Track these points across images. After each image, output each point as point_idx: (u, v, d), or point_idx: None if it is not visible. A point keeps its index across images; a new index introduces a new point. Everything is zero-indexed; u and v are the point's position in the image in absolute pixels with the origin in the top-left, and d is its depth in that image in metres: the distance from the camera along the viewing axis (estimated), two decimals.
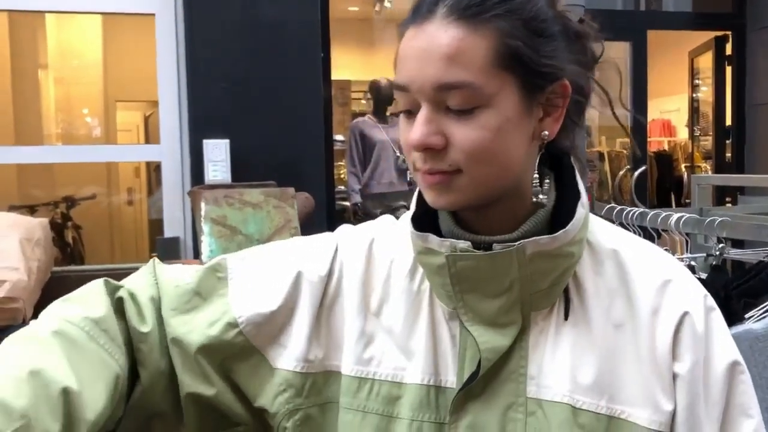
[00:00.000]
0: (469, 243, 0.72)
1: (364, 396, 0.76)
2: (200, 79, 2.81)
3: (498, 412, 0.73)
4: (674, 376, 0.73)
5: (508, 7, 0.68)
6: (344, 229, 0.86)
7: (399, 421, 0.75)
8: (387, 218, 0.87)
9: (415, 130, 0.69)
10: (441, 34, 0.67)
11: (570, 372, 0.73)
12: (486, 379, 0.73)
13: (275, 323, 0.79)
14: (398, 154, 4.51)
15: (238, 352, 0.78)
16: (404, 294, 0.79)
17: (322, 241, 0.84)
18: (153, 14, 2.92)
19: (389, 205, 4.47)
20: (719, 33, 4.91)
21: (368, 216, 4.32)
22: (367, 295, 0.80)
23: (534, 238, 0.71)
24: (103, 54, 6.12)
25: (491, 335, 0.73)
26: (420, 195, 0.78)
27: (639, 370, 0.73)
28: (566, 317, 0.75)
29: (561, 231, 0.72)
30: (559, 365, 0.74)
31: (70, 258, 4.72)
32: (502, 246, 0.72)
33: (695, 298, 0.75)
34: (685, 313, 0.74)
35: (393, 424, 0.75)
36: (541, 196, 0.75)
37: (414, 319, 0.78)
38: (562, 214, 0.75)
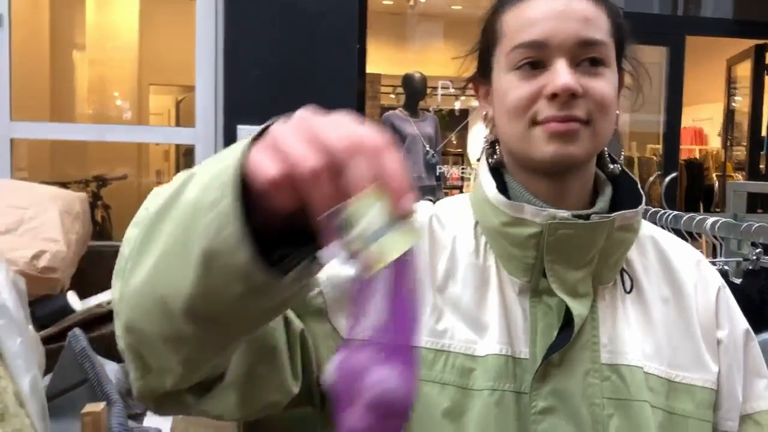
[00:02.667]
0: (569, 212, 0.78)
1: (440, 368, 0.78)
2: (237, 65, 2.84)
3: (578, 378, 0.78)
4: (718, 342, 0.84)
5: None
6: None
7: (476, 392, 0.77)
8: (429, 203, 0.89)
9: (562, 76, 0.75)
10: (575, 1, 0.78)
11: (635, 341, 0.80)
12: (564, 348, 0.78)
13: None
14: (428, 148, 4.51)
15: (315, 313, 0.77)
16: (471, 269, 0.82)
17: None
18: None
19: (419, 199, 4.46)
20: (759, 41, 4.84)
21: None
22: (434, 270, 0.82)
23: (622, 211, 0.79)
24: (139, 37, 6.19)
25: (575, 304, 0.78)
26: (493, 170, 0.84)
27: (690, 338, 0.83)
28: (629, 290, 0.83)
29: (640, 206, 0.81)
30: (626, 334, 0.80)
31: (99, 236, 4.79)
32: (600, 217, 0.78)
33: (718, 276, 0.90)
34: (720, 287, 0.87)
35: (469, 395, 0.77)
36: (611, 166, 0.85)
37: (483, 294, 0.81)
38: (617, 191, 0.85)
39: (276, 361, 0.70)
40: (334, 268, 0.77)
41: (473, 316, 0.79)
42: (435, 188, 4.53)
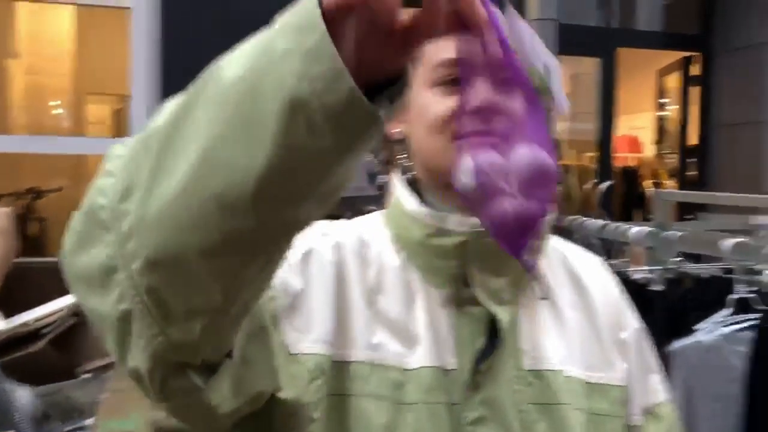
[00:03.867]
0: None
1: (375, 382, 0.78)
2: (174, 75, 2.80)
3: (505, 386, 0.80)
4: (622, 342, 0.89)
5: None
6: (327, 223, 0.87)
7: (409, 406, 0.77)
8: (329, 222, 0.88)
9: (485, 93, 0.76)
10: None
11: (554, 345, 0.84)
12: (491, 357, 0.79)
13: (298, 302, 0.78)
14: (368, 157, 4.53)
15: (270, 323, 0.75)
16: (397, 283, 0.82)
17: (317, 232, 0.85)
18: (129, 8, 2.91)
19: (359, 208, 4.48)
20: (687, 54, 5.03)
21: (337, 220, 4.32)
22: (365, 285, 0.82)
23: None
24: (75, 45, 6.04)
25: (500, 311, 0.80)
26: (410, 184, 0.85)
27: (599, 340, 0.87)
28: (545, 297, 0.86)
29: (552, 214, 0.83)
30: (545, 340, 0.83)
31: (33, 250, 4.65)
32: None
33: (616, 279, 0.94)
34: (621, 290, 0.93)
35: (403, 409, 0.77)
36: None
37: (410, 307, 0.81)
38: None
39: (265, 343, 0.68)
40: (286, 273, 0.77)
41: (403, 329, 0.80)
42: (377, 198, 4.54)
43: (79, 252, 0.56)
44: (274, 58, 0.47)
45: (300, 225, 0.54)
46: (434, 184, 0.85)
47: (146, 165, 0.51)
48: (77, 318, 1.55)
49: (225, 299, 0.54)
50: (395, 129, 0.88)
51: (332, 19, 0.46)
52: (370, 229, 0.87)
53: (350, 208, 4.94)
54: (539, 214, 0.52)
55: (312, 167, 0.48)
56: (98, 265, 0.54)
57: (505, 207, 0.51)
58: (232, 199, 0.48)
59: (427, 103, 0.81)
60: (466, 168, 0.53)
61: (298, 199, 0.50)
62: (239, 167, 0.48)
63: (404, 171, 0.88)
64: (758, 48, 4.53)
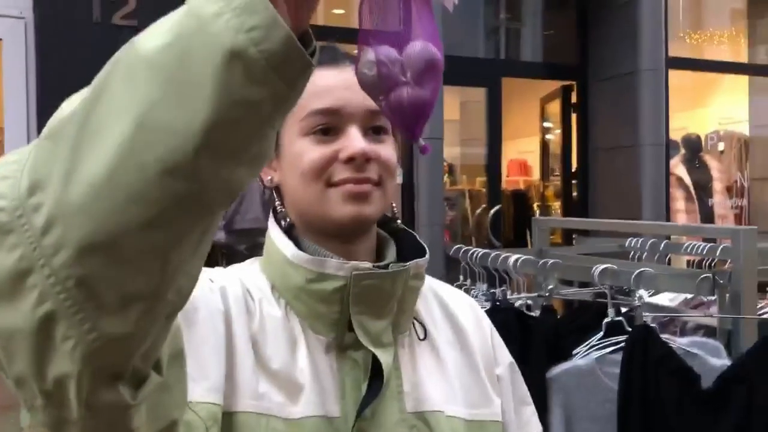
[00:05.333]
0: (370, 264, 0.82)
1: None
2: (51, 107, 2.69)
3: (389, 430, 0.81)
4: (498, 378, 0.93)
5: None
6: (216, 270, 0.87)
7: None
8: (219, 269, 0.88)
9: (358, 142, 0.81)
10: None
11: (434, 386, 0.85)
12: (374, 401, 0.80)
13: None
14: (264, 188, 4.48)
15: None
16: (280, 331, 0.82)
17: (204, 278, 0.84)
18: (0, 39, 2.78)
19: (255, 241, 4.41)
20: (566, 82, 5.31)
21: (232, 252, 4.25)
22: (249, 334, 0.81)
23: (416, 260, 0.84)
24: None
25: (381, 354, 0.81)
26: (285, 231, 0.85)
27: (476, 377, 0.90)
28: (424, 337, 0.88)
29: (427, 255, 0.86)
30: (425, 381, 0.85)
31: None
32: (399, 266, 0.82)
33: (487, 317, 0.98)
34: (491, 327, 0.97)
35: None
36: (395, 224, 0.91)
37: (293, 355, 0.81)
38: (400, 245, 0.90)
39: (182, 368, 0.64)
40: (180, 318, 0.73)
41: (287, 378, 0.80)
42: None
43: None
44: (204, 21, 0.48)
45: (234, 190, 0.53)
46: (311, 230, 0.86)
47: (60, 153, 0.49)
48: None
49: (162, 280, 0.51)
50: (267, 176, 0.88)
51: None
52: (249, 278, 0.86)
53: (246, 240, 4.87)
54: (431, 100, 0.59)
55: (250, 120, 0.49)
56: (5, 272, 0.49)
57: (401, 94, 0.58)
58: (174, 162, 0.47)
59: (300, 151, 0.83)
60: (368, 59, 0.59)
61: (236, 156, 0.50)
62: (179, 129, 0.47)
63: (279, 218, 0.88)
64: (631, 76, 4.83)
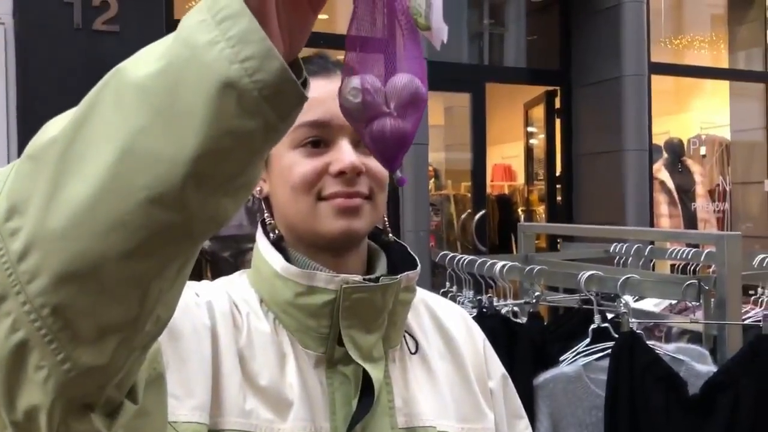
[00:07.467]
0: (360, 277, 0.80)
1: None
2: (32, 113, 2.65)
3: None
4: (491, 391, 0.91)
5: None
6: (202, 284, 0.86)
7: None
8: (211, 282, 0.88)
9: (349, 155, 0.80)
10: None
11: (426, 400, 0.84)
12: (365, 417, 0.78)
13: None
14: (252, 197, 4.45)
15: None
16: (268, 347, 0.81)
17: (190, 292, 0.82)
18: None
19: (239, 248, 4.38)
20: (550, 88, 5.33)
21: (216, 260, 4.22)
22: (236, 350, 0.80)
23: (407, 272, 0.83)
24: None
25: (372, 369, 0.79)
26: (273, 243, 0.83)
27: (468, 390, 0.88)
28: (415, 351, 0.86)
29: (419, 267, 0.85)
30: (417, 395, 0.84)
31: None
32: (389, 279, 0.81)
33: (480, 329, 0.96)
34: (484, 339, 0.95)
35: None
36: (387, 237, 0.90)
37: (282, 371, 0.80)
38: (391, 257, 0.89)
39: (161, 393, 0.63)
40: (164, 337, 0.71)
41: (275, 394, 0.78)
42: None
43: None
44: (198, 49, 0.47)
45: (220, 220, 0.52)
46: (300, 243, 0.84)
47: (42, 176, 0.47)
48: None
49: (140, 310, 0.50)
50: (256, 187, 0.87)
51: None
52: (237, 291, 0.85)
53: (230, 247, 4.83)
54: (412, 132, 0.60)
55: (240, 150, 0.48)
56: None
57: (384, 124, 0.59)
58: (160, 190, 0.46)
59: (290, 164, 0.81)
60: (353, 86, 0.59)
61: (224, 186, 0.49)
62: (166, 157, 0.46)
63: (268, 230, 0.87)
64: (614, 81, 4.86)
